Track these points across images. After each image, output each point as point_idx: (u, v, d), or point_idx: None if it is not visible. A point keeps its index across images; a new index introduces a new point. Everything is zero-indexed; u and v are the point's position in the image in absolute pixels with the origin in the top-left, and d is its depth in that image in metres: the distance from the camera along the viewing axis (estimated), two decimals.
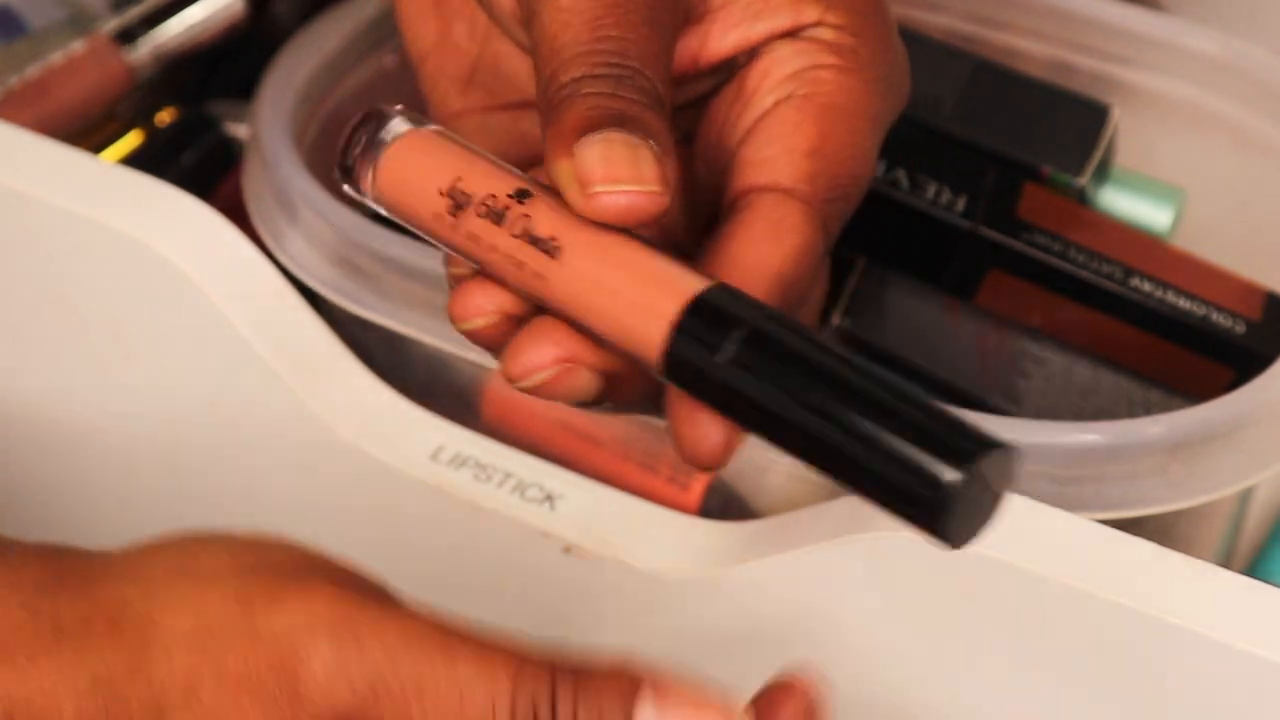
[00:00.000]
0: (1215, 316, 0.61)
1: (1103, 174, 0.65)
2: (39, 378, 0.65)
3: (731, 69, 0.50)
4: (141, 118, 0.72)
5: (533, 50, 0.49)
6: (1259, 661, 0.49)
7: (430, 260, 0.59)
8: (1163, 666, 0.50)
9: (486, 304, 0.48)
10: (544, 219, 0.46)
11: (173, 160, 0.71)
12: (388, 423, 0.60)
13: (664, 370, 0.44)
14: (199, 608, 0.45)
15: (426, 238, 0.48)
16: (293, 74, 0.65)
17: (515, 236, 0.47)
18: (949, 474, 0.40)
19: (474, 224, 0.47)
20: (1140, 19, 0.67)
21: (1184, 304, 0.61)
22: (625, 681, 0.43)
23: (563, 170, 0.46)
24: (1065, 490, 0.54)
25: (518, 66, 0.53)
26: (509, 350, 0.47)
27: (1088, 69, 0.67)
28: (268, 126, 0.63)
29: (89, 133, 0.70)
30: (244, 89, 0.69)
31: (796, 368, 0.42)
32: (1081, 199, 0.64)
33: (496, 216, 0.47)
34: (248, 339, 0.60)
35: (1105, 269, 0.61)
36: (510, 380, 0.47)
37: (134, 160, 0.70)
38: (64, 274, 0.62)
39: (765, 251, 0.47)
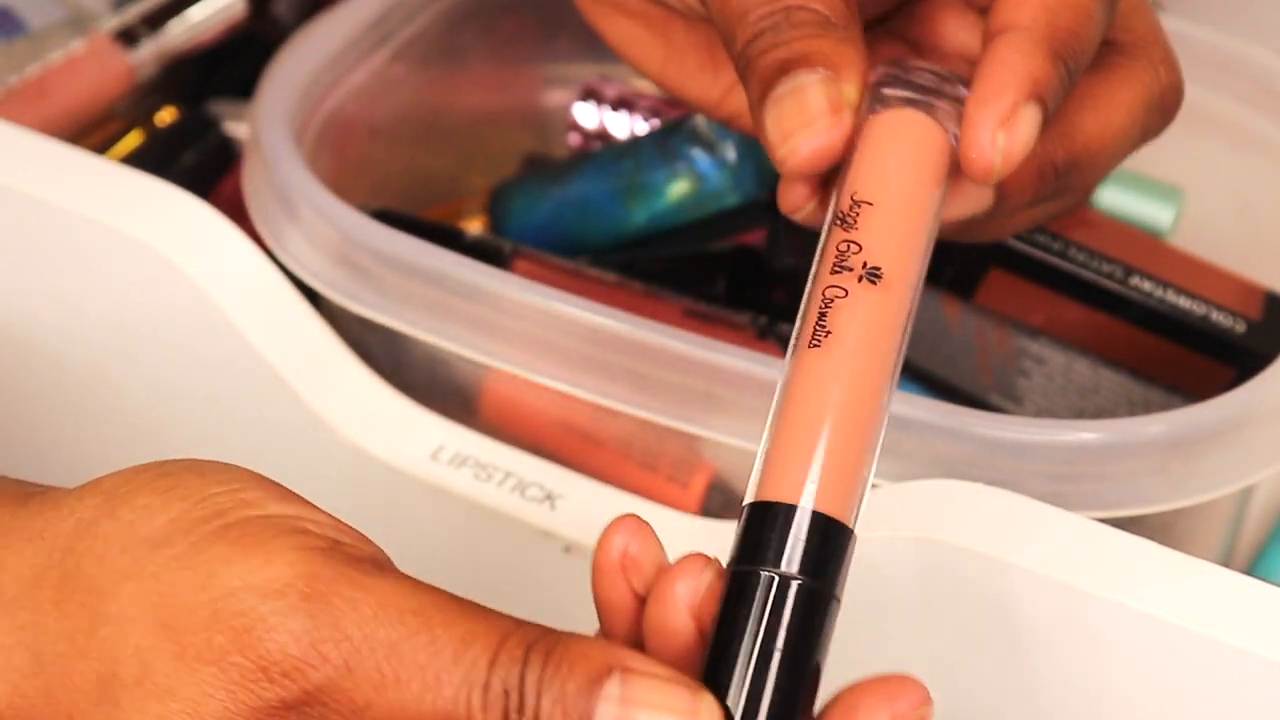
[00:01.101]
0: (1215, 316, 0.61)
1: None
2: (38, 376, 0.65)
3: None
4: (142, 117, 0.72)
5: (716, 19, 0.50)
6: (1259, 661, 0.49)
7: (431, 259, 0.59)
8: (1163, 666, 0.50)
9: None
10: (848, 309, 0.45)
11: (173, 160, 0.71)
12: (388, 422, 0.60)
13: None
14: (153, 576, 0.43)
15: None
16: (293, 74, 0.65)
17: (826, 290, 0.46)
18: None
19: (832, 244, 0.46)
20: None
21: (1184, 303, 0.61)
22: (597, 663, 0.42)
23: (763, 139, 0.48)
24: (1065, 489, 0.54)
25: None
26: None
27: None
28: (268, 126, 0.63)
29: (90, 132, 0.71)
30: (244, 89, 0.69)
31: (773, 631, 0.43)
32: None
33: (840, 265, 0.46)
34: (248, 338, 0.60)
35: (1105, 268, 0.61)
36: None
37: (135, 160, 0.70)
38: (65, 273, 0.62)
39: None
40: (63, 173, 0.61)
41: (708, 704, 0.42)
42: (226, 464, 0.46)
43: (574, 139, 0.73)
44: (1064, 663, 0.52)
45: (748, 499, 0.44)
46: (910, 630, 0.53)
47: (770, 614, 0.43)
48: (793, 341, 0.45)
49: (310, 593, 0.42)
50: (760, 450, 0.44)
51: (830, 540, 0.44)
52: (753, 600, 0.43)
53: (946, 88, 0.49)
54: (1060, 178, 0.52)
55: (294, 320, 0.61)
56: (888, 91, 0.48)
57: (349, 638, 0.42)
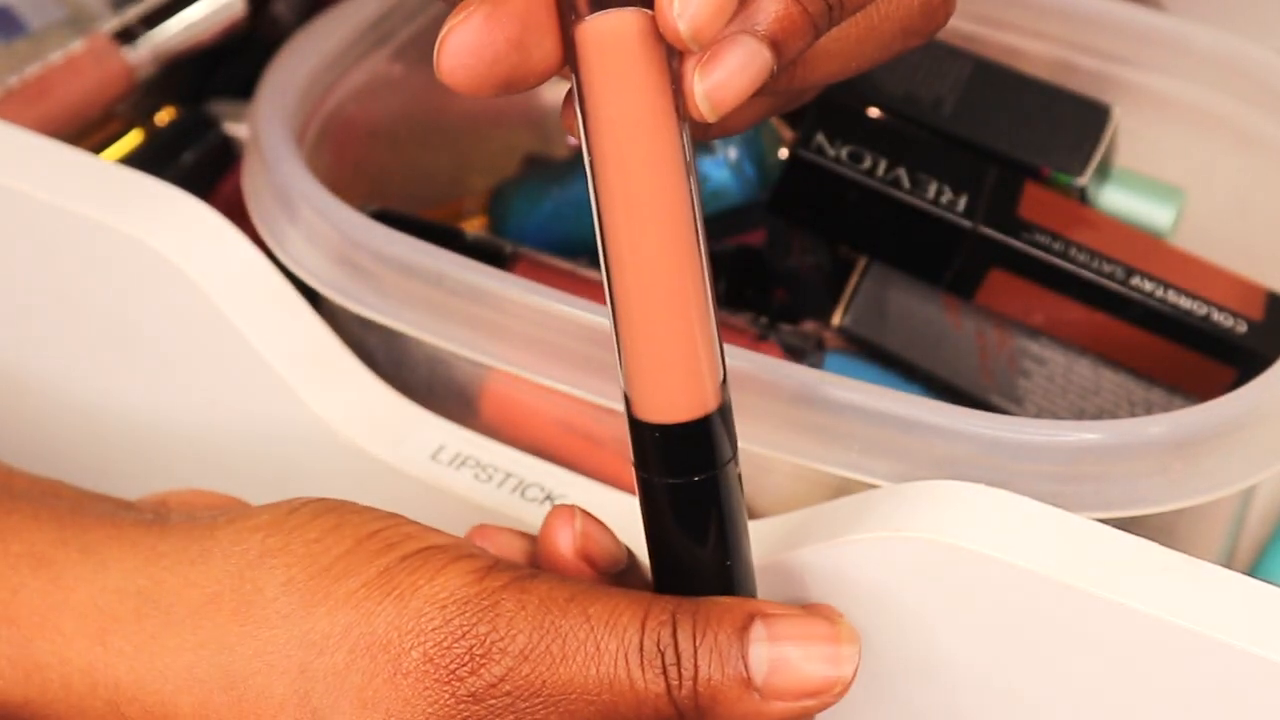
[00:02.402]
0: (1216, 316, 0.61)
1: (1103, 173, 0.65)
2: (39, 377, 0.65)
3: None
4: (141, 117, 0.72)
5: None
6: (1260, 661, 0.49)
7: (431, 259, 0.59)
8: (1163, 666, 0.50)
9: None
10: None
11: (173, 160, 0.71)
12: (388, 422, 0.60)
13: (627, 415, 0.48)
14: (345, 603, 0.49)
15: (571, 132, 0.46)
16: (292, 73, 0.65)
17: None
18: None
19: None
20: (1141, 18, 0.67)
21: (1185, 303, 0.61)
22: (739, 614, 0.49)
23: None
24: (1066, 490, 0.54)
25: None
26: None
27: (1089, 68, 0.67)
28: (267, 126, 0.63)
29: (89, 132, 0.70)
30: (244, 88, 0.69)
31: (661, 520, 0.49)
32: (1082, 198, 0.64)
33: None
34: (248, 338, 0.60)
35: (1106, 268, 0.61)
36: None
37: (134, 160, 0.70)
38: (64, 273, 0.62)
39: None
40: (62, 173, 0.61)
41: (846, 627, 0.50)
42: (367, 505, 0.52)
43: (574, 139, 0.73)
44: (1065, 663, 0.52)
45: (630, 414, 0.48)
46: (911, 630, 0.53)
47: (673, 510, 0.49)
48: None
49: (489, 603, 0.48)
50: (621, 371, 0.48)
51: (703, 434, 0.48)
52: (658, 503, 0.49)
53: None
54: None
55: (294, 320, 0.61)
56: None
57: (521, 630, 0.48)
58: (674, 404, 0.47)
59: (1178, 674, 0.50)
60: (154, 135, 0.72)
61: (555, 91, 0.75)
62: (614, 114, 0.45)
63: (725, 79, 0.45)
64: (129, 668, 0.49)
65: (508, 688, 0.48)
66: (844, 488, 0.56)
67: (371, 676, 0.48)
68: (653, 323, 0.46)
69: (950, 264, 0.61)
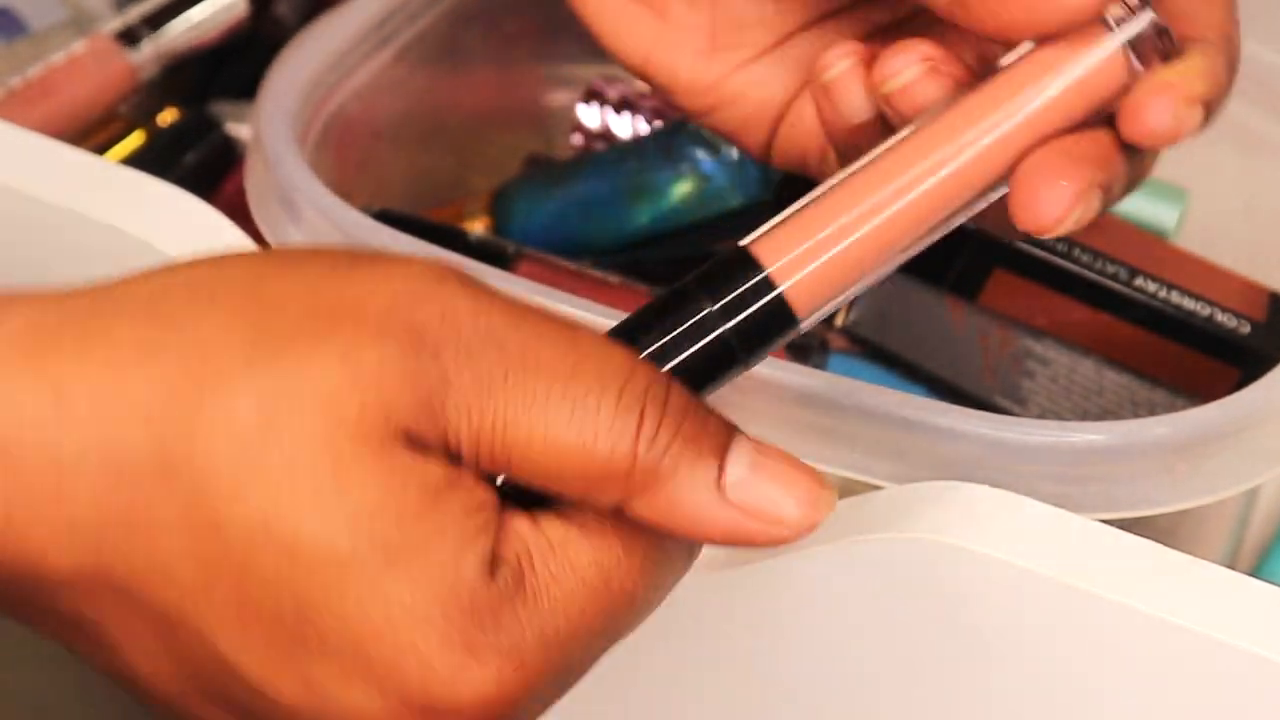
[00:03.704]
0: (1220, 317, 0.61)
1: None
2: None
3: None
4: (144, 118, 0.72)
5: None
6: (1262, 662, 0.49)
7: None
8: (1165, 667, 0.50)
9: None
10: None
11: (175, 160, 0.71)
12: None
13: None
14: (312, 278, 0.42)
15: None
16: (295, 74, 0.65)
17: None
18: None
19: None
20: None
21: (1188, 304, 0.61)
22: (730, 426, 0.44)
23: None
24: (1069, 490, 0.54)
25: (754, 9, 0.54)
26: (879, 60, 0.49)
27: None
28: (270, 127, 0.63)
29: (91, 133, 0.70)
30: (246, 89, 0.69)
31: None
32: None
33: None
34: None
35: (1110, 269, 0.61)
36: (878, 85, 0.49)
37: (136, 160, 0.70)
38: (65, 274, 0.62)
39: None
40: (64, 173, 0.61)
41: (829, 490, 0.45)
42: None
43: (577, 139, 0.73)
44: (1067, 664, 0.52)
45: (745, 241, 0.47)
46: (913, 631, 0.53)
47: (686, 338, 0.46)
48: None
49: (462, 277, 0.42)
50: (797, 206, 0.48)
51: (773, 316, 0.47)
52: (679, 323, 0.46)
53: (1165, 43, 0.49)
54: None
55: None
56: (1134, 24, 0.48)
57: (497, 317, 0.42)
58: (805, 281, 0.47)
59: (1181, 675, 0.50)
60: (156, 136, 0.72)
61: (557, 93, 0.75)
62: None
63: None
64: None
65: (451, 376, 0.41)
66: (847, 488, 0.56)
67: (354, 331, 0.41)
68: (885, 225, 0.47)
69: (953, 265, 0.61)
